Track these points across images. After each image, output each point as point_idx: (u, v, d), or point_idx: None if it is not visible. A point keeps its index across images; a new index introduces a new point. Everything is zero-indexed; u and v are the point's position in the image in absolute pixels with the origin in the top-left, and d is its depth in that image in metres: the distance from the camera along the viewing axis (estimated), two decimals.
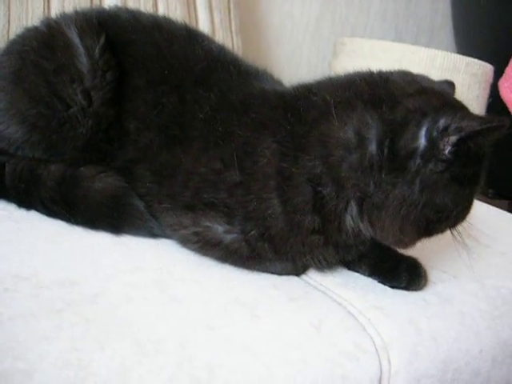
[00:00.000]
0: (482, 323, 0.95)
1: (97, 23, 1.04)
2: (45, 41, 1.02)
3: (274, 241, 0.89)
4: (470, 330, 0.93)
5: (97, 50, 1.01)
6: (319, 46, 2.16)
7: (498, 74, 1.93)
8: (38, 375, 0.64)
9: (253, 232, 0.89)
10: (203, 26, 1.61)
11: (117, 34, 1.05)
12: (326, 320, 0.84)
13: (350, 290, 0.93)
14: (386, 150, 0.82)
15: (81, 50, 1.00)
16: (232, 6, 1.68)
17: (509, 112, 1.91)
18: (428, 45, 2.24)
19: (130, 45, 1.05)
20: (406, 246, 0.91)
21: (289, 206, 0.87)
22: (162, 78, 1.02)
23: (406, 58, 1.72)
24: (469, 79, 1.75)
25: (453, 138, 0.80)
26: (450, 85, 0.95)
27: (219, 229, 0.90)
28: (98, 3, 1.48)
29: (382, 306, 0.90)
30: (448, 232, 0.91)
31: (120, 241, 0.94)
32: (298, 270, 0.95)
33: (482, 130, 0.79)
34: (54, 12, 1.42)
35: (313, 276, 0.95)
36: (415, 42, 2.28)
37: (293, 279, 0.93)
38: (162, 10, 1.55)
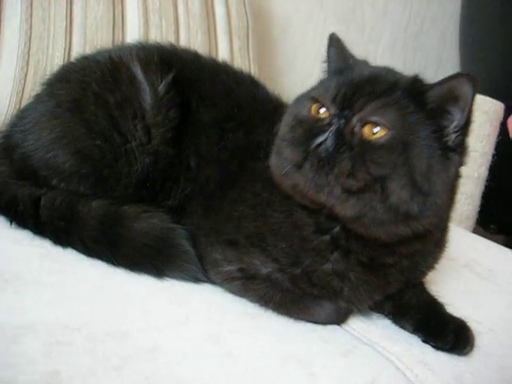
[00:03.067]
0: None
1: (159, 60, 1.02)
2: (108, 73, 1.00)
3: (302, 264, 0.89)
4: None
5: (161, 87, 1.00)
6: None
7: (509, 111, 1.95)
8: None
9: (282, 258, 0.89)
10: (223, 52, 1.60)
11: (181, 72, 1.04)
12: (379, 377, 0.82)
13: (395, 344, 0.91)
14: None
15: (145, 85, 0.99)
16: (250, 33, 1.67)
17: None
18: (434, 77, 2.25)
19: (197, 82, 1.05)
20: None
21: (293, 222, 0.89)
22: (229, 115, 1.02)
23: None
24: (480, 117, 1.75)
25: None
26: None
27: (257, 262, 0.90)
28: (121, 25, 1.45)
29: (427, 361, 0.89)
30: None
31: (163, 285, 0.91)
32: (341, 316, 0.93)
33: None
34: (77, 32, 1.40)
35: (356, 327, 0.93)
36: (422, 75, 2.28)
37: (338, 331, 0.92)
38: (183, 37, 1.53)
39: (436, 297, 0.99)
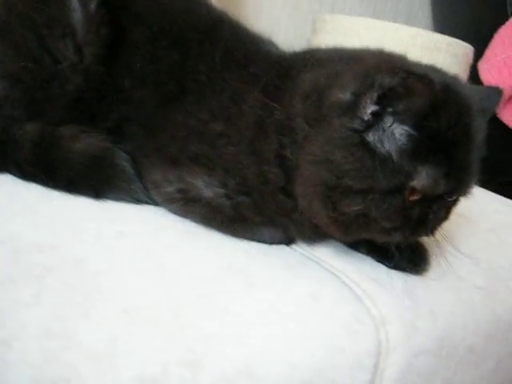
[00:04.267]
0: (478, 298, 0.92)
1: None
2: None
3: (251, 195, 0.86)
4: (466, 304, 0.90)
5: (93, 5, 0.95)
6: (296, 22, 2.11)
7: (478, 56, 1.92)
8: (18, 345, 0.59)
9: (232, 185, 0.86)
10: None
11: None
12: (323, 290, 0.80)
13: (345, 261, 0.89)
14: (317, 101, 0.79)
15: (74, 3, 0.94)
16: None
17: None
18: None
19: (129, 1, 1.01)
20: (325, 226, 0.82)
21: (258, 156, 0.84)
22: (162, 33, 0.98)
23: (388, 36, 1.69)
24: (450, 59, 1.72)
25: (374, 95, 0.72)
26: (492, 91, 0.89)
27: (201, 183, 0.87)
28: None
29: (377, 277, 0.86)
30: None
31: (103, 206, 0.88)
32: (287, 239, 0.91)
33: (397, 85, 0.71)
34: None
35: (305, 247, 0.91)
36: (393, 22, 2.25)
37: (284, 248, 0.89)
38: None
39: None
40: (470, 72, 1.85)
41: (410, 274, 0.90)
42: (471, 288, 0.93)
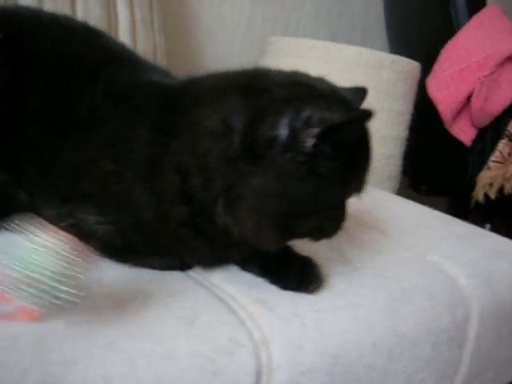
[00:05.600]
0: (377, 316, 0.93)
1: None
2: None
3: (145, 231, 0.88)
4: (363, 322, 0.91)
5: None
6: (250, 45, 2.15)
7: (429, 72, 1.95)
8: None
9: (124, 222, 0.88)
10: (123, 23, 1.58)
11: (14, 32, 1.02)
12: (202, 315, 0.82)
13: (235, 285, 0.91)
14: (245, 139, 0.81)
15: None
16: (154, 3, 1.65)
17: (436, 109, 1.93)
18: (362, 44, 2.25)
19: (27, 42, 1.03)
20: (268, 243, 0.88)
21: (156, 196, 0.86)
22: (53, 71, 1.00)
23: (332, 56, 1.72)
24: (395, 76, 1.75)
25: (314, 130, 0.77)
26: (360, 91, 0.94)
27: (92, 220, 0.89)
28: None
29: (265, 299, 0.88)
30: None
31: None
32: (180, 267, 0.93)
33: (344, 122, 0.77)
34: None
35: (200, 272, 0.93)
36: (348, 41, 2.26)
37: (175, 274, 0.91)
38: (80, 9, 1.51)
39: None
40: (420, 88, 1.87)
41: (302, 294, 0.92)
42: (369, 306, 0.95)
